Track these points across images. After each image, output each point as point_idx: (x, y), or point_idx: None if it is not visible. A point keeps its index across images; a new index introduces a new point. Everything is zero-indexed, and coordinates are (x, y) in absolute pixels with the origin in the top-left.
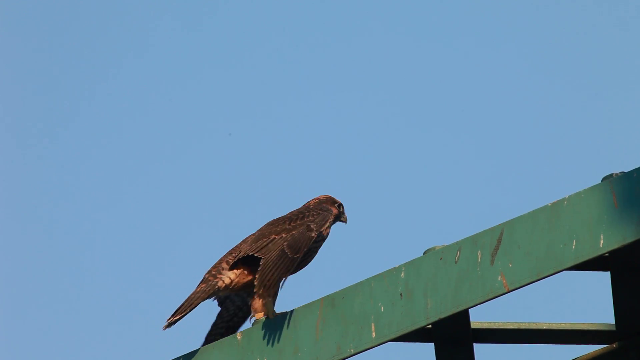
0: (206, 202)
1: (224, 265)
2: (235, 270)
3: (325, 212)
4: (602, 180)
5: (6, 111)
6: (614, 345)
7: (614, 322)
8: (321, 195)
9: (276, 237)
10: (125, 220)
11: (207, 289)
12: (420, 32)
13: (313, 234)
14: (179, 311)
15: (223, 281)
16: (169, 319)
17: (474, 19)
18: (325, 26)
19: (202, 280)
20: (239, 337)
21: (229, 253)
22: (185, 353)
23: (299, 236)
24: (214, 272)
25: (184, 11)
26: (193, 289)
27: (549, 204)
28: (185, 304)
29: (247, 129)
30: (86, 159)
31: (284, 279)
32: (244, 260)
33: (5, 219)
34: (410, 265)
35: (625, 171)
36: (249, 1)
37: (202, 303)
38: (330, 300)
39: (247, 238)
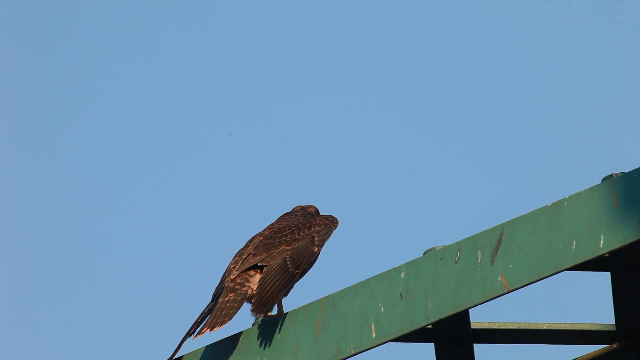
0: (206, 202)
1: (252, 272)
2: (260, 275)
3: (329, 224)
4: (602, 181)
5: (7, 112)
6: (614, 346)
7: (614, 322)
8: (310, 206)
9: (287, 247)
10: (124, 220)
11: (238, 298)
12: (420, 33)
13: (316, 249)
14: (216, 322)
15: (252, 289)
16: (205, 330)
17: (474, 19)
18: (325, 27)
19: (229, 289)
20: (239, 337)
21: (243, 257)
22: (185, 353)
23: (302, 249)
24: (239, 281)
25: (184, 12)
26: (206, 292)
27: (549, 204)
28: (220, 314)
29: (247, 129)
30: (86, 159)
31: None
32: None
33: (6, 219)
34: (410, 265)
35: (625, 171)
36: (248, 2)
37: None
38: (330, 301)
39: (254, 239)
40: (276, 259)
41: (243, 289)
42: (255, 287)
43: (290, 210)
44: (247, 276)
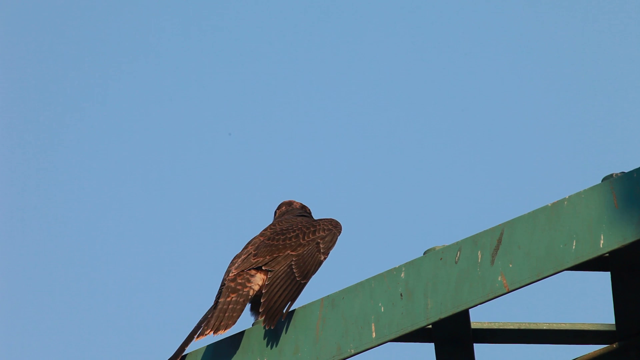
0: (206, 202)
1: (252, 272)
2: (262, 275)
3: (333, 230)
4: (602, 181)
5: (7, 113)
6: (614, 346)
7: (614, 322)
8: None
9: (292, 252)
10: (124, 220)
11: (240, 300)
12: (421, 32)
13: (322, 258)
14: (219, 325)
15: (253, 289)
16: (209, 332)
17: (474, 19)
18: (325, 26)
19: (230, 289)
20: (239, 338)
21: (242, 257)
22: (185, 353)
23: (307, 256)
24: (240, 281)
25: (184, 12)
26: (214, 294)
27: (549, 204)
28: (223, 316)
29: (247, 129)
30: (86, 159)
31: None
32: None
33: (7, 220)
34: (410, 265)
35: (625, 171)
36: (249, 2)
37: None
38: (330, 300)
39: (254, 239)
40: (281, 264)
41: (244, 289)
42: (256, 288)
43: (277, 207)
44: (248, 276)
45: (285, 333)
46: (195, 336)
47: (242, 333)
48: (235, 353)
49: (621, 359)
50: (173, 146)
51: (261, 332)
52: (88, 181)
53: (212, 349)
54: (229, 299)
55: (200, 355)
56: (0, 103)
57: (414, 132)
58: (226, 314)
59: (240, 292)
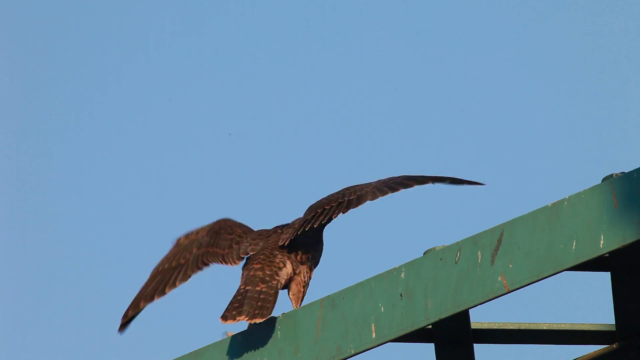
0: (206, 202)
1: (280, 264)
2: (287, 269)
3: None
4: (602, 181)
5: (7, 113)
6: (614, 346)
7: (614, 323)
8: None
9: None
10: (124, 221)
11: (271, 291)
12: (420, 33)
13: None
14: (255, 314)
15: (281, 282)
16: (243, 318)
17: (473, 19)
18: (325, 26)
19: (258, 278)
20: (239, 337)
21: (267, 254)
22: (185, 353)
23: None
24: (269, 272)
25: (184, 11)
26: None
27: (549, 204)
28: (256, 304)
29: (247, 129)
30: (85, 160)
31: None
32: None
33: (7, 220)
34: (410, 265)
35: (625, 171)
36: (249, 1)
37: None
38: (330, 301)
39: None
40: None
41: (273, 281)
42: (282, 282)
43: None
44: (275, 269)
45: (286, 333)
46: (221, 318)
47: (242, 333)
48: (235, 353)
49: (621, 359)
50: (173, 146)
51: (261, 331)
52: (86, 181)
53: (211, 348)
54: (258, 288)
55: (199, 356)
56: None
57: (414, 132)
58: (259, 303)
59: (270, 283)
